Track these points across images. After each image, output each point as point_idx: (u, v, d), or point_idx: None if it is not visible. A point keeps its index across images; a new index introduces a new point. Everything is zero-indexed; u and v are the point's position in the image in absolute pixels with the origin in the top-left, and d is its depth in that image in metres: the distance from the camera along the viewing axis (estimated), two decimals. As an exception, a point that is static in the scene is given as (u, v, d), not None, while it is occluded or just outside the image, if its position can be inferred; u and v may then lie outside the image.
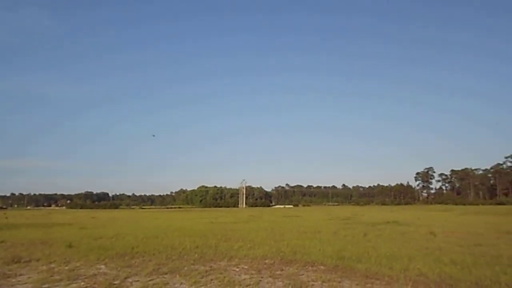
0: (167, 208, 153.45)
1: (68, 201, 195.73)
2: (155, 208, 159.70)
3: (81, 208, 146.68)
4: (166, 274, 10.33)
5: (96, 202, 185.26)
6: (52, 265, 11.93)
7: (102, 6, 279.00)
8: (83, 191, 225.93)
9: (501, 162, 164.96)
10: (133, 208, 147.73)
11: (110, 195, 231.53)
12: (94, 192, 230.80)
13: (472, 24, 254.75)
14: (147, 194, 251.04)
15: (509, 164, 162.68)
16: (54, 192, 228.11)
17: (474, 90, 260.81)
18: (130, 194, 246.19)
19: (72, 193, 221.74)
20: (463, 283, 8.81)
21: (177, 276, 10.05)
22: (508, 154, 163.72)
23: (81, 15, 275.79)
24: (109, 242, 17.89)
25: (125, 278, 9.85)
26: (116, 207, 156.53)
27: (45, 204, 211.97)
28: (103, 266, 11.64)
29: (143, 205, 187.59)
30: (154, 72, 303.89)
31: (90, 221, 40.45)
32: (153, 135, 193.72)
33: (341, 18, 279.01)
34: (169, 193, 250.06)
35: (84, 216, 59.47)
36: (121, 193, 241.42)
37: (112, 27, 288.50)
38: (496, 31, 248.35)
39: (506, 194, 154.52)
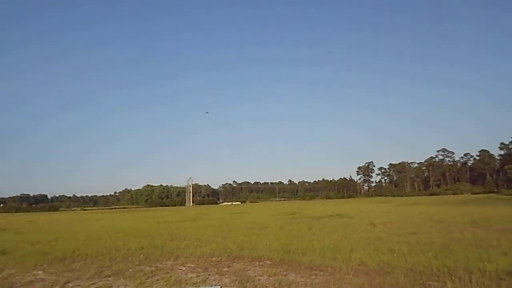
0: (111, 208, 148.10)
1: (1, 205, 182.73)
2: (98, 209, 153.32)
3: (16, 211, 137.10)
4: (109, 276, 10.03)
5: (34, 205, 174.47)
6: (-17, 274, 11.14)
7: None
8: (18, 194, 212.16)
9: (433, 156, 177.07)
10: (74, 210, 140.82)
11: (49, 197, 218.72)
12: (31, 195, 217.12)
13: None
14: (89, 195, 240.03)
15: (440, 157, 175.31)
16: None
17: (408, 89, 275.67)
18: (70, 195, 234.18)
19: (6, 196, 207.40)
20: (399, 270, 9.38)
21: (121, 278, 9.79)
22: (440, 148, 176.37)
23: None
24: (47, 247, 16.97)
25: (65, 283, 9.45)
26: (55, 209, 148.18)
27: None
28: (40, 272, 11.06)
29: (85, 207, 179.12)
30: (113, 72, 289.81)
31: (27, 225, 38.06)
32: (207, 112, 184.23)
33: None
34: (112, 193, 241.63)
35: (19, 220, 55.77)
36: (61, 194, 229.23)
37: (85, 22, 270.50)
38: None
39: (438, 185, 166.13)
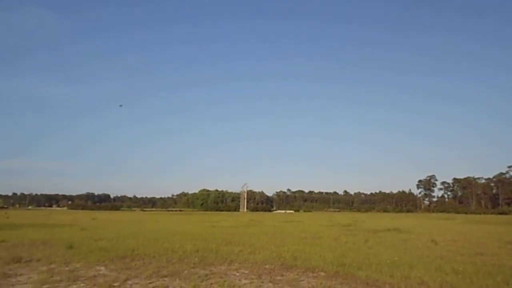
0: (168, 211, 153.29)
1: (69, 202, 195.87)
2: (156, 210, 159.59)
3: (82, 209, 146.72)
4: (166, 277, 10.31)
5: (97, 204, 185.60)
6: (52, 266, 11.93)
7: (105, 7, 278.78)
8: (84, 192, 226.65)
9: (504, 172, 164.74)
10: (134, 210, 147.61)
11: (112, 196, 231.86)
12: (96, 194, 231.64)
13: (476, 31, 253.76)
14: (149, 197, 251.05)
15: (511, 173, 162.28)
16: (56, 193, 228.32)
17: (478, 98, 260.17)
18: (131, 196, 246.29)
19: (74, 194, 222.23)
20: (464, 292, 8.75)
21: (177, 279, 10.03)
22: (511, 164, 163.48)
23: (85, 16, 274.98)
24: (109, 244, 17.88)
25: (125, 280, 9.84)
26: (117, 208, 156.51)
27: (46, 204, 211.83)
28: (103, 268, 11.63)
29: (144, 207, 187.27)
30: (157, 75, 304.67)
31: (91, 223, 40.46)
32: (120, 105, 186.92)
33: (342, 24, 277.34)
34: (170, 195, 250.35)
35: (85, 217, 59.49)
36: (123, 194, 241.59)
37: (115, 28, 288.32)
38: (498, 39, 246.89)
39: (508, 204, 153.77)
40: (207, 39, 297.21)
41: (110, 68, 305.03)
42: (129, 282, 9.67)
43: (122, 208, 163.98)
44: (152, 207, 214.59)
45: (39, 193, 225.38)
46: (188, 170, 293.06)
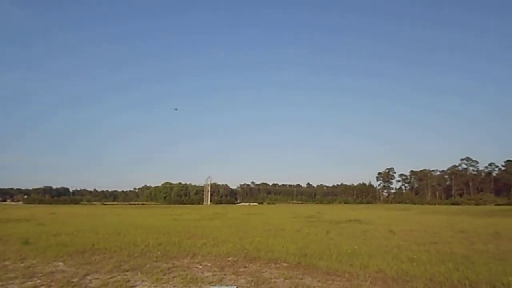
0: (130, 204, 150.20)
1: (25, 196, 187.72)
2: (118, 204, 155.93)
3: (39, 203, 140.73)
4: (127, 271, 10.16)
5: (56, 198, 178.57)
6: (7, 262, 11.48)
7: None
8: (41, 186, 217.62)
9: (456, 164, 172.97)
10: (95, 204, 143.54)
11: (71, 190, 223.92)
12: (54, 187, 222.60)
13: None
14: (110, 190, 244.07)
15: (464, 166, 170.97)
16: (10, 187, 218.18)
17: (431, 97, 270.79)
18: (91, 189, 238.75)
19: (30, 187, 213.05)
20: (418, 279, 9.18)
21: (139, 273, 9.91)
22: (464, 157, 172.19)
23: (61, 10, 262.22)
24: (68, 239, 17.36)
25: (84, 275, 9.61)
26: (76, 202, 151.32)
27: (0, 199, 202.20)
28: (61, 264, 11.30)
29: (105, 201, 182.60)
30: (126, 70, 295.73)
31: (49, 217, 39.02)
32: (176, 109, 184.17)
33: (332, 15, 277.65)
34: (132, 189, 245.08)
35: (42, 211, 57.23)
36: (82, 188, 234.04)
37: (97, 21, 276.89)
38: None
39: (460, 195, 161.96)
40: (165, 32, 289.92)
41: (81, 64, 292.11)
42: (89, 277, 9.45)
43: (82, 202, 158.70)
44: (114, 200, 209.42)
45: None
46: (150, 163, 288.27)
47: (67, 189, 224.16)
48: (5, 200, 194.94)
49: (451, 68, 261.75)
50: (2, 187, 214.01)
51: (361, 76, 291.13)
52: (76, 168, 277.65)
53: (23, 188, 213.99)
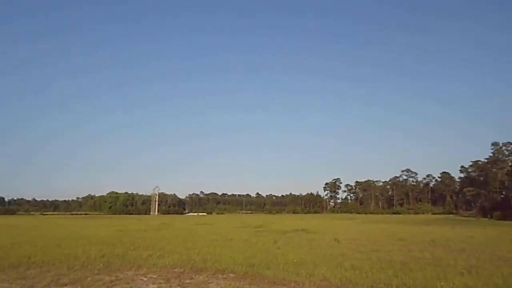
0: (72, 214, 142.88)
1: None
2: (59, 214, 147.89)
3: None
4: (66, 285, 9.69)
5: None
6: None
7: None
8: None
9: (398, 175, 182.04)
10: (33, 214, 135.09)
11: (6, 199, 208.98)
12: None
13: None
14: (50, 199, 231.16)
15: (404, 177, 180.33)
16: None
17: (379, 107, 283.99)
18: (29, 199, 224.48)
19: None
20: (360, 286, 9.53)
21: (79, 287, 9.46)
22: (404, 168, 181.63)
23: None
24: (1, 252, 16.22)
25: (18, 291, 9.03)
26: (12, 213, 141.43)
27: None
28: (-8, 279, 10.52)
29: (45, 211, 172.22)
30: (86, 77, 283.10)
31: (-21, 229, 36.22)
32: (272, 98, 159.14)
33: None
34: (75, 198, 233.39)
35: (-29, 223, 53.03)
36: (19, 197, 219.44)
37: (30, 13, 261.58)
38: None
39: (401, 204, 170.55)
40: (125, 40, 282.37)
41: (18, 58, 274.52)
42: (23, 293, 8.90)
43: (18, 212, 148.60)
44: (54, 210, 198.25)
45: None
46: (95, 171, 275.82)
47: (2, 198, 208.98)
48: None
49: (390, 87, 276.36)
50: None
51: (307, 94, 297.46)
52: (11, 175, 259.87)
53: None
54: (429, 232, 31.49)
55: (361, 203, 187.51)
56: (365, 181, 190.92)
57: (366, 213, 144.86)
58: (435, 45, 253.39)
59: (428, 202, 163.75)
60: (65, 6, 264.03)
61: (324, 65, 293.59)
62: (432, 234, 28.03)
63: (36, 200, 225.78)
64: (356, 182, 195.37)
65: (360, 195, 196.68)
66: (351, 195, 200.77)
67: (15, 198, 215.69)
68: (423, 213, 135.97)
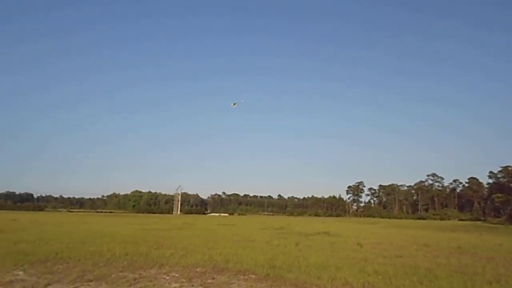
0: (97, 212, 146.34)
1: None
2: (84, 211, 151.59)
3: (0, 209, 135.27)
4: (91, 281, 9.88)
5: (19, 204, 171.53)
6: (-38, 271, 10.93)
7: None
8: (3, 191, 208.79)
9: (423, 180, 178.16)
10: (60, 211, 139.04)
11: (35, 196, 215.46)
12: (17, 193, 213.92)
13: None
14: (76, 197, 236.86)
15: (430, 182, 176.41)
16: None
17: (403, 110, 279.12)
18: (57, 196, 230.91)
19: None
20: (384, 292, 9.36)
21: (103, 283, 9.65)
22: (430, 173, 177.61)
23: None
24: (30, 247, 16.73)
25: (46, 285, 9.29)
26: (41, 209, 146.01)
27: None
28: (21, 273, 10.86)
29: (71, 208, 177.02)
30: (109, 75, 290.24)
31: (10, 224, 37.45)
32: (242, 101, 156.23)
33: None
34: (100, 196, 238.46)
35: (3, 218, 54.87)
36: (48, 194, 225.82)
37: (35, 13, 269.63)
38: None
39: (426, 210, 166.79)
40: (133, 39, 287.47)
41: (36, 56, 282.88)
42: (50, 287, 9.14)
43: (46, 209, 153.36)
44: (80, 208, 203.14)
45: None
46: (119, 170, 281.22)
47: (31, 195, 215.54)
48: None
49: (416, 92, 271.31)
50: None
51: (331, 99, 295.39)
52: (41, 173, 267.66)
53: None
54: (456, 238, 30.67)
55: (384, 207, 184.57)
56: (389, 185, 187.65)
57: (389, 218, 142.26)
58: (464, 54, 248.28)
59: (455, 208, 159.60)
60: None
61: (346, 70, 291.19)
62: (458, 241, 27.28)
63: (63, 197, 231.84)
64: (380, 186, 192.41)
65: (384, 199, 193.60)
66: (375, 199, 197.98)
67: (43, 195, 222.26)
68: (449, 219, 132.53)
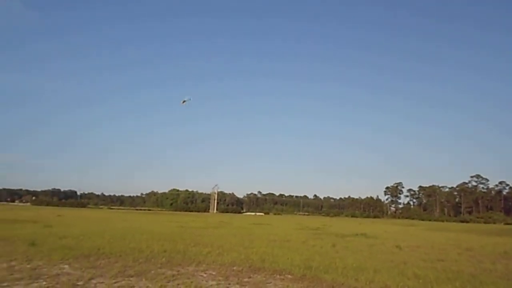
0: (137, 209, 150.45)
1: (33, 198, 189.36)
2: (124, 209, 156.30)
3: (47, 205, 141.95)
4: (132, 276, 10.17)
5: (63, 200, 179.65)
6: (13, 263, 11.55)
7: (97, 3, 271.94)
8: (50, 188, 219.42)
9: (466, 181, 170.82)
10: (101, 208, 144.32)
11: (78, 193, 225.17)
12: (62, 190, 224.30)
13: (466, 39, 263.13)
14: (117, 195, 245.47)
15: (473, 183, 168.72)
16: (19, 188, 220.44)
17: (442, 112, 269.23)
18: (99, 193, 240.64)
19: (38, 189, 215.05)
20: (424, 297, 9.06)
21: (143, 279, 9.91)
22: (474, 174, 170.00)
23: (68, 13, 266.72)
24: (74, 242, 17.45)
25: (89, 279, 9.65)
26: (83, 206, 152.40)
27: (8, 199, 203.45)
28: (66, 266, 11.35)
29: (112, 205, 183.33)
30: (137, 73, 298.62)
31: (56, 219, 39.29)
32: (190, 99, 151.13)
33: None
34: (139, 194, 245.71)
35: (49, 213, 57.67)
36: (90, 192, 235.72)
37: (98, 24, 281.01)
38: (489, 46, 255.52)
39: (469, 212, 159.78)
40: (173, 37, 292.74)
41: (91, 65, 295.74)
42: (94, 281, 9.49)
43: (88, 206, 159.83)
44: (120, 205, 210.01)
45: (0, 188, 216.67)
46: (158, 169, 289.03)
47: (75, 192, 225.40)
48: (13, 201, 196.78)
49: (462, 85, 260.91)
50: (11, 187, 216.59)
51: (370, 90, 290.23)
52: (84, 171, 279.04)
53: (31, 189, 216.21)
54: (502, 243, 29.19)
55: (424, 209, 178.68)
56: (430, 186, 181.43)
57: (430, 220, 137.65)
58: None
59: (501, 211, 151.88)
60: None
61: (400, 63, 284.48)
62: (505, 246, 25.93)
63: (104, 195, 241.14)
64: (420, 187, 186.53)
65: (424, 201, 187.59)
66: (414, 200, 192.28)
67: (86, 192, 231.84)
68: (494, 223, 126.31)
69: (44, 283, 9.09)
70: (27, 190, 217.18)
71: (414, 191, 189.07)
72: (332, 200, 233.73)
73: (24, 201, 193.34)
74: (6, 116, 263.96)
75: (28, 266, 11.16)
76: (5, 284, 8.84)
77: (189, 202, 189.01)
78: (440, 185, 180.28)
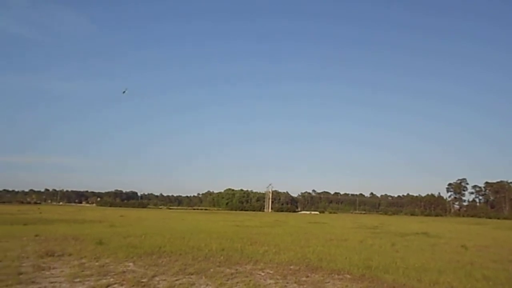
0: (194, 209, 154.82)
1: (98, 199, 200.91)
2: (182, 209, 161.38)
3: (110, 206, 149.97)
4: (192, 274, 10.47)
5: (125, 201, 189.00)
6: (83, 261, 12.30)
7: (124, 4, 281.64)
8: (112, 190, 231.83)
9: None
10: (161, 208, 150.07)
11: (139, 194, 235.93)
12: (123, 191, 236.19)
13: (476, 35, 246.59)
14: (175, 195, 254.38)
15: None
16: (85, 190, 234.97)
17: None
18: (158, 194, 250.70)
19: (102, 191, 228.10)
20: (496, 300, 8.51)
21: (203, 277, 10.16)
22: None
23: (100, 13, 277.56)
24: (137, 241, 18.28)
25: (153, 276, 10.05)
26: (144, 206, 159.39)
27: (76, 201, 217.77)
28: (131, 264, 11.91)
29: (170, 206, 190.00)
30: (184, 71, 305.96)
31: (119, 220, 41.42)
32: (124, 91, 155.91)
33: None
34: (196, 194, 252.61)
35: (113, 214, 60.94)
36: (149, 192, 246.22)
37: (131, 25, 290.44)
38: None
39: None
40: (218, 37, 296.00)
41: (127, 64, 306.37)
42: (157, 278, 9.87)
43: (148, 206, 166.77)
44: (178, 205, 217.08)
45: (69, 190, 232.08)
46: (213, 169, 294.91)
47: (136, 193, 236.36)
48: (80, 202, 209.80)
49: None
50: (79, 189, 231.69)
51: (431, 80, 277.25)
52: (144, 173, 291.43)
53: (96, 191, 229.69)
54: None
55: (492, 207, 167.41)
56: (498, 182, 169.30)
57: (498, 218, 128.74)
58: None
59: None
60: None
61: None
62: None
63: (163, 196, 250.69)
64: (486, 183, 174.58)
65: (491, 198, 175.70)
66: (480, 197, 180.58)
67: (146, 193, 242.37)
68: None
69: (112, 279, 9.60)
70: (92, 192, 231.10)
71: (480, 187, 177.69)
72: (389, 198, 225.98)
73: (90, 202, 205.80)
74: (78, 123, 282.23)
75: (97, 263, 11.84)
76: (77, 279, 9.45)
77: (244, 201, 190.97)
78: (509, 181, 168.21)
